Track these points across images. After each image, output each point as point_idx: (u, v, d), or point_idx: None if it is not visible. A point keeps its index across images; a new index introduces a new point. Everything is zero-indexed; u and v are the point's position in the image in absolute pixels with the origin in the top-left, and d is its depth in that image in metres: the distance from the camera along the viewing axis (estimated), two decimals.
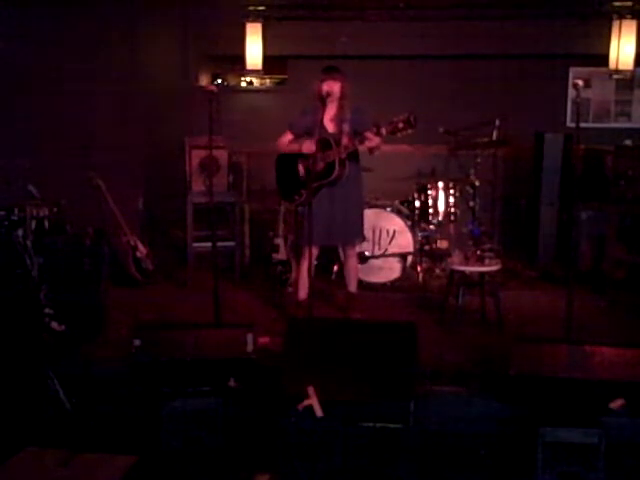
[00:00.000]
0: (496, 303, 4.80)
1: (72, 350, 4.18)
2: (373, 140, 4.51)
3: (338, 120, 4.74)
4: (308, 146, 4.69)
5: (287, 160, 4.91)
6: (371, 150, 4.63)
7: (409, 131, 4.37)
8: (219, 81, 7.96)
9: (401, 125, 4.37)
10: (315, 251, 4.84)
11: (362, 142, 4.56)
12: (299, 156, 4.83)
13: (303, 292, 4.86)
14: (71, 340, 4.22)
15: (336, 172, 4.65)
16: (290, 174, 4.86)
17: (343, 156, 4.64)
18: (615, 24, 6.67)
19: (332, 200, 4.75)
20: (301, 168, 4.83)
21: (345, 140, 4.63)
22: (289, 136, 4.90)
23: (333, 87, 4.63)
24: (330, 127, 4.77)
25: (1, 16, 5.38)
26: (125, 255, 5.83)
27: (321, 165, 4.61)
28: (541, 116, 6.98)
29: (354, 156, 4.77)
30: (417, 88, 7.09)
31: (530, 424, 3.32)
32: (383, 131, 4.45)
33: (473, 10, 6.97)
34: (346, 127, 4.69)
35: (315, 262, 5.00)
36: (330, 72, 4.68)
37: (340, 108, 4.73)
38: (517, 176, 6.95)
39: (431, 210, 5.98)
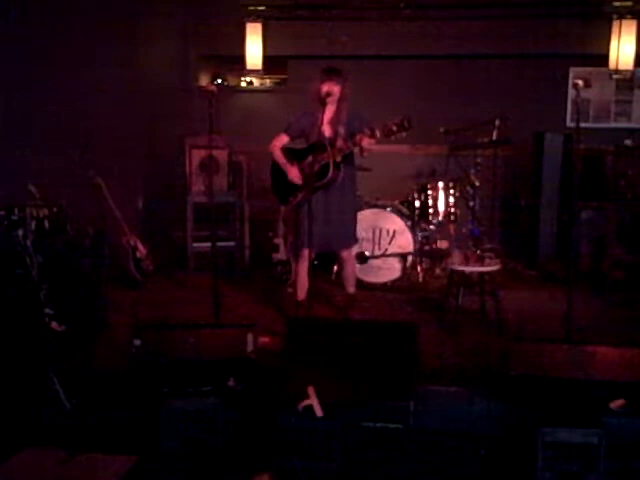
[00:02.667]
0: (496, 303, 4.80)
1: (72, 350, 4.18)
2: (367, 142, 4.51)
3: (335, 123, 4.73)
4: (294, 173, 4.74)
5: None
6: (361, 152, 4.62)
7: (403, 134, 4.38)
8: (219, 81, 7.96)
9: (395, 128, 4.37)
10: (312, 254, 4.84)
11: (356, 144, 4.55)
12: (294, 158, 4.82)
13: (302, 293, 4.86)
14: (71, 340, 4.21)
15: (330, 174, 4.63)
16: (285, 176, 4.85)
17: (338, 159, 4.63)
18: (615, 24, 6.68)
19: (326, 203, 4.74)
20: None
21: (340, 142, 4.64)
22: (284, 139, 4.87)
23: (333, 88, 4.62)
24: (327, 130, 4.75)
25: (0, 16, 5.38)
26: (125, 255, 5.83)
27: (315, 167, 4.58)
28: (541, 116, 6.98)
29: (349, 159, 4.77)
30: (417, 88, 7.10)
31: (530, 424, 3.32)
32: (377, 133, 4.44)
33: (473, 10, 6.97)
34: (342, 130, 4.69)
35: (315, 262, 5.01)
36: (330, 74, 4.66)
37: (337, 110, 4.73)
38: (517, 176, 6.95)
39: (431, 210, 5.98)
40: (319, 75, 4.67)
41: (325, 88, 4.59)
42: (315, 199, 4.66)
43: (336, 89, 4.63)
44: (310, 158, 4.58)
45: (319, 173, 4.62)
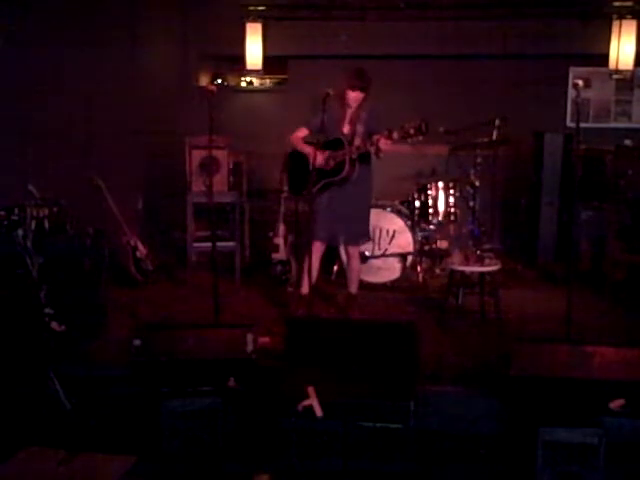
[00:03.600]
0: (496, 303, 4.80)
1: (72, 350, 4.18)
2: (384, 143, 4.52)
3: (354, 121, 4.77)
4: (320, 158, 4.69)
5: (299, 155, 4.92)
6: (377, 153, 4.63)
7: (420, 138, 4.43)
8: (219, 81, 7.96)
9: (412, 131, 4.41)
10: (322, 247, 4.90)
11: (373, 144, 4.57)
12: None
13: (306, 286, 4.85)
14: (71, 340, 4.21)
15: (345, 171, 4.69)
16: (301, 168, 4.86)
17: (354, 156, 4.66)
18: (615, 24, 6.68)
19: (341, 198, 4.78)
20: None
21: (357, 141, 4.67)
22: (304, 131, 4.91)
23: (359, 97, 4.68)
24: (345, 128, 4.80)
25: (1, 15, 5.38)
26: (125, 255, 5.82)
27: (331, 163, 4.70)
28: (541, 116, 6.97)
29: (365, 158, 4.78)
30: (417, 88, 7.09)
31: (530, 424, 3.32)
32: (395, 135, 4.47)
33: (473, 10, 6.97)
34: (360, 128, 4.73)
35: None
36: (362, 83, 4.65)
37: (358, 109, 4.76)
38: (517, 176, 6.95)
39: (431, 210, 5.98)
40: (347, 78, 4.66)
41: (351, 95, 4.65)
42: (329, 195, 4.76)
43: (360, 97, 4.68)
44: (327, 153, 4.66)
45: (335, 169, 4.70)
